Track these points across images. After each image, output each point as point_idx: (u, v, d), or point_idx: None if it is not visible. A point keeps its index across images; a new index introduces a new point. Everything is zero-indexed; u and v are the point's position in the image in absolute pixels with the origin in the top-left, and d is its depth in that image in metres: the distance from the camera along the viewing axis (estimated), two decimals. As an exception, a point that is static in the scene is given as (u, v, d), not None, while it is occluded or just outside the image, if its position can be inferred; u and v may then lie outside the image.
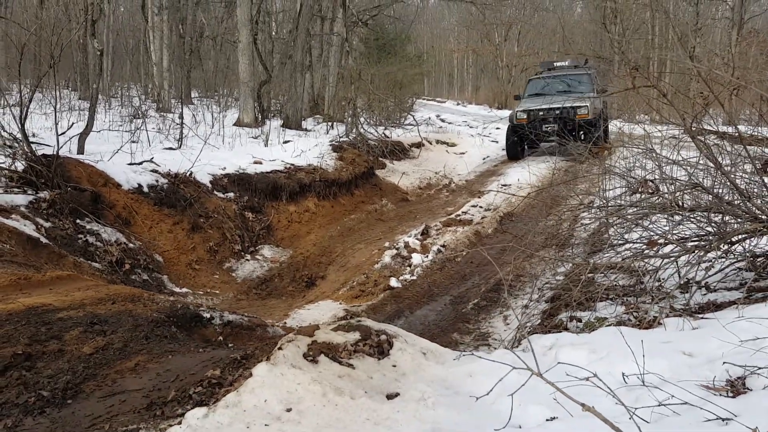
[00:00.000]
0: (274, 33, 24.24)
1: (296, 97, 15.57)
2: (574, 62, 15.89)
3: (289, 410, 2.56)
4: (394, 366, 3.20)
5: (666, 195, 4.67)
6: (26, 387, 2.87)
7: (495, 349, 4.74)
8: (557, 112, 12.82)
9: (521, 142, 14.09)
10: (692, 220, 4.47)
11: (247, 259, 8.02)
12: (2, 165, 6.56)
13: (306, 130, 15.16)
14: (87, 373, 3.02)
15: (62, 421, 2.59)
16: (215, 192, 8.57)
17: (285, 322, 5.90)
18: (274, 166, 9.84)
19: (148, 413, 2.54)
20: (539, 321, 4.85)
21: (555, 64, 15.94)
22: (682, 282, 4.32)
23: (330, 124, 15.75)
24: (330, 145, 11.91)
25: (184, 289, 6.84)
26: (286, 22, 24.26)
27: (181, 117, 11.99)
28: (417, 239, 8.18)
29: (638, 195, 5.05)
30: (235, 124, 14.67)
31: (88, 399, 2.81)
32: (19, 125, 6.80)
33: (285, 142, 12.45)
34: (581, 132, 12.81)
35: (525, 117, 13.50)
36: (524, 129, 13.04)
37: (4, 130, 7.22)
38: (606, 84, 14.90)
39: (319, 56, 20.16)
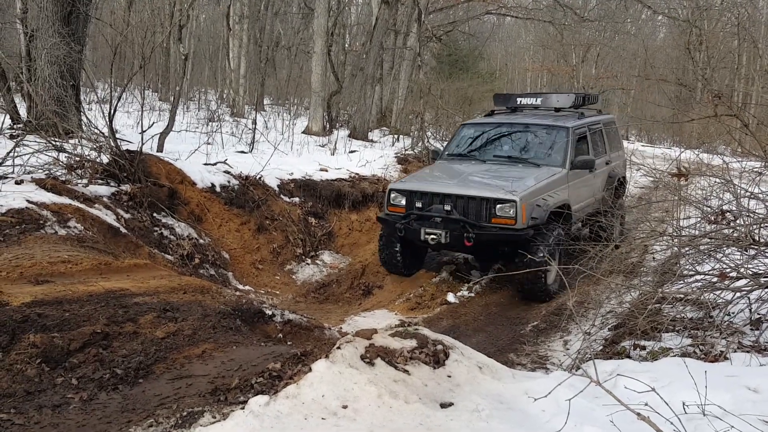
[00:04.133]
0: (347, 45, 24.72)
1: (365, 108, 15.81)
2: (561, 98, 8.49)
3: (345, 407, 2.63)
4: (449, 376, 3.22)
5: (741, 227, 4.50)
6: (102, 364, 3.05)
7: (552, 372, 4.67)
8: (446, 208, 6.51)
9: (409, 248, 7.30)
10: (767, 255, 4.30)
11: (308, 263, 8.19)
12: (89, 157, 6.97)
13: (372, 141, 15.36)
14: (158, 355, 3.19)
15: (133, 398, 2.75)
16: (282, 196, 8.81)
17: (341, 327, 5.99)
18: (339, 175, 10.03)
19: (212, 397, 2.67)
20: (601, 348, 4.75)
21: (520, 100, 8.66)
22: (753, 318, 4.16)
23: (396, 136, 15.91)
24: (395, 156, 12.03)
25: (247, 287, 7.06)
26: (360, 34, 24.73)
27: (254, 122, 12.42)
28: (477, 256, 8.13)
29: (713, 225, 4.89)
30: (303, 132, 15.04)
31: (158, 380, 2.97)
32: (107, 121, 7.21)
33: (351, 151, 12.66)
34: (502, 253, 6.89)
35: (403, 204, 6.88)
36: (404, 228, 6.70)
37: (93, 125, 7.69)
38: (618, 141, 9.12)
39: (390, 69, 20.42)
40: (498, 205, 6.29)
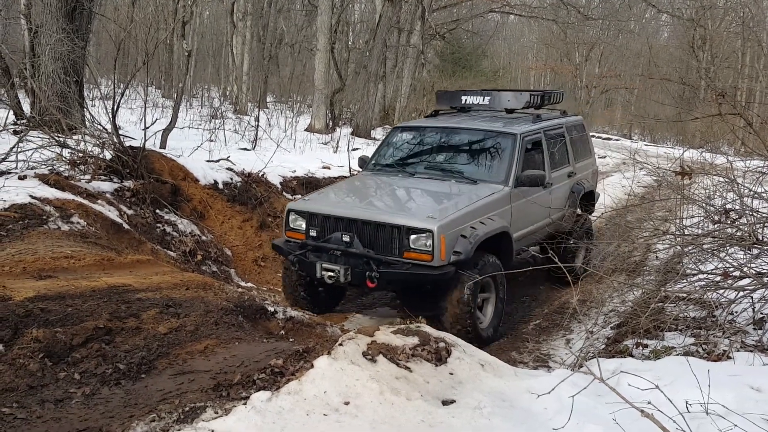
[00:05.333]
0: (350, 42, 24.72)
1: (368, 106, 15.81)
2: (513, 97, 7.07)
3: (347, 403, 2.63)
4: (451, 374, 3.22)
5: (745, 227, 4.49)
6: (104, 359, 3.06)
7: (554, 370, 4.67)
8: (345, 239, 5.19)
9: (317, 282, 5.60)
10: (771, 254, 4.29)
11: (311, 261, 8.19)
12: (92, 153, 6.97)
13: (375, 139, 15.36)
14: (160, 351, 3.19)
15: (136, 393, 2.75)
16: (284, 193, 8.81)
17: (343, 325, 5.99)
18: (341, 172, 10.03)
19: (214, 393, 2.67)
20: (603, 346, 4.75)
21: (466, 99, 7.25)
22: (756, 317, 4.15)
23: (400, 134, 15.89)
24: (399, 155, 12.02)
25: (249, 284, 7.06)
26: (364, 32, 24.70)
27: (257, 120, 12.43)
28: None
29: (717, 225, 4.88)
30: (306, 130, 15.04)
31: (160, 375, 2.98)
32: (110, 117, 7.22)
33: (354, 149, 12.66)
34: (420, 296, 5.39)
35: (303, 229, 5.51)
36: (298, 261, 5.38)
37: (96, 121, 7.69)
38: (587, 148, 7.77)
39: (393, 67, 20.41)
40: (412, 236, 4.91)
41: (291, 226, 5.58)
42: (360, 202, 5.70)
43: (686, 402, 2.71)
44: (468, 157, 6.33)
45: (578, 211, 6.84)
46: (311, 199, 5.77)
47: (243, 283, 6.93)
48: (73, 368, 2.93)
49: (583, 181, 7.44)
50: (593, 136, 23.39)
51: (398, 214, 5.15)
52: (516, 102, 6.96)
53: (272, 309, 4.61)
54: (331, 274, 5.08)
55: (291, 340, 4.08)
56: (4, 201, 5.17)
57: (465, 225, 5.11)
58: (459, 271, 4.99)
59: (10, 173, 6.02)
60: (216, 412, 2.48)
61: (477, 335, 5.17)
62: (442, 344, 3.43)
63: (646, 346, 4.16)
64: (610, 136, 25.84)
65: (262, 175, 8.67)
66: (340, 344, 3.07)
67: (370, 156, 6.86)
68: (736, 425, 2.37)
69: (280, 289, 7.24)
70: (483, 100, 7.13)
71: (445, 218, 5.01)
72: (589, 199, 7.52)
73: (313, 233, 5.38)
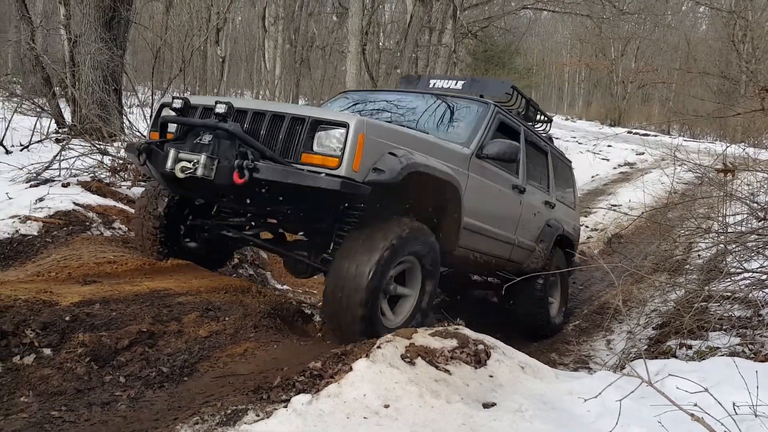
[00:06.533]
0: (381, 44, 24.75)
1: (401, 107, 15.79)
2: (492, 85, 6.16)
3: (386, 406, 2.63)
4: (491, 376, 3.19)
5: (793, 223, 4.36)
6: (148, 362, 3.11)
7: (596, 371, 4.60)
8: (222, 108, 3.52)
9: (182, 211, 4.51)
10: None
11: (346, 262, 8.21)
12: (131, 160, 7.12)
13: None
14: (202, 354, 3.25)
15: (179, 396, 2.80)
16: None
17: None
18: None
19: (255, 396, 2.70)
20: (645, 347, 4.66)
21: (434, 82, 6.09)
22: (807, 317, 4.02)
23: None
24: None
25: (285, 287, 7.11)
26: (395, 33, 24.71)
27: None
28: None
29: (761, 222, 4.74)
30: (340, 131, 15.09)
31: (202, 378, 3.02)
32: (148, 124, 7.36)
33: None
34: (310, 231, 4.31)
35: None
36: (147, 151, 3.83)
37: (135, 128, 7.86)
38: (569, 188, 6.91)
39: (425, 67, 20.34)
40: (319, 132, 3.49)
41: (156, 127, 3.97)
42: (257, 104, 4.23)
43: (734, 404, 2.64)
44: (428, 118, 5.03)
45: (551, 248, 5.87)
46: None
47: (279, 286, 7.00)
48: (118, 371, 3.00)
49: (563, 221, 6.31)
50: (631, 132, 23.01)
51: (305, 109, 3.87)
52: (496, 89, 5.92)
53: (309, 312, 4.66)
54: (186, 164, 3.51)
55: (328, 342, 4.10)
56: (50, 208, 5.31)
57: (398, 142, 3.69)
58: (378, 201, 3.60)
59: (54, 181, 6.18)
60: (257, 415, 2.50)
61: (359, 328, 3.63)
62: (481, 346, 3.40)
63: (690, 346, 4.06)
64: (648, 132, 25.30)
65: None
66: (378, 347, 3.07)
67: None
68: (788, 429, 2.29)
69: (315, 291, 7.29)
70: (456, 84, 5.87)
71: (373, 122, 3.71)
72: (567, 245, 6.38)
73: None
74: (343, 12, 22.97)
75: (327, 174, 3.35)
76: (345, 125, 3.43)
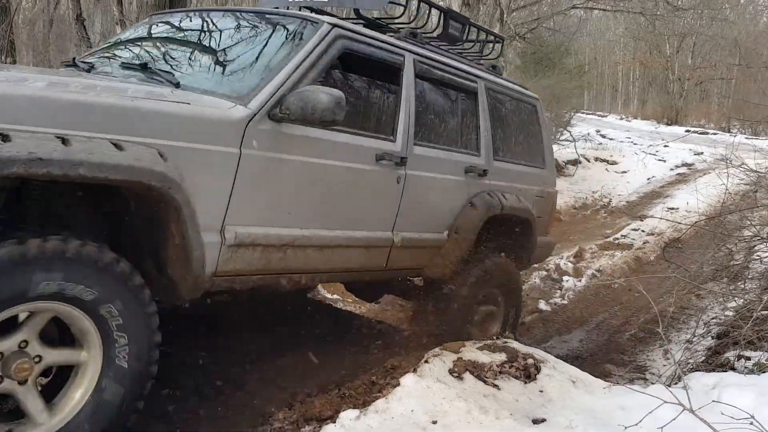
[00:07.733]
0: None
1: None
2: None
3: (434, 422, 2.63)
4: (541, 391, 3.16)
5: None
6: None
7: (651, 384, 4.47)
8: None
9: None
10: None
11: (396, 271, 8.24)
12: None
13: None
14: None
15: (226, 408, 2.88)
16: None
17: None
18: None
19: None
20: (703, 358, 4.50)
21: None
22: None
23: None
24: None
25: (335, 296, 7.19)
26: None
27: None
28: (569, 262, 7.92)
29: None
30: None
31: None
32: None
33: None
34: None
35: None
36: None
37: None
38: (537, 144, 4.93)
39: (474, 71, 20.22)
40: None
41: None
42: None
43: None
44: (208, 58, 3.22)
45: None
46: None
47: (329, 296, 7.08)
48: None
49: (510, 193, 4.36)
50: (689, 131, 22.24)
51: None
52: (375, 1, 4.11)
53: (358, 322, 4.71)
54: None
55: (376, 351, 4.13)
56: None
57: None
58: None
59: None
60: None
61: None
62: (530, 360, 3.37)
63: (749, 358, 3.90)
64: (707, 130, 24.44)
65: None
66: (426, 361, 3.08)
67: None
68: None
69: (364, 301, 7.33)
70: None
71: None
72: (520, 234, 4.54)
73: None
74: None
75: None
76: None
